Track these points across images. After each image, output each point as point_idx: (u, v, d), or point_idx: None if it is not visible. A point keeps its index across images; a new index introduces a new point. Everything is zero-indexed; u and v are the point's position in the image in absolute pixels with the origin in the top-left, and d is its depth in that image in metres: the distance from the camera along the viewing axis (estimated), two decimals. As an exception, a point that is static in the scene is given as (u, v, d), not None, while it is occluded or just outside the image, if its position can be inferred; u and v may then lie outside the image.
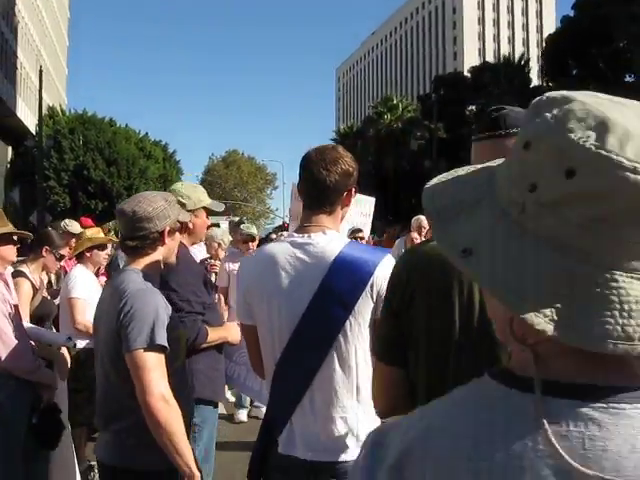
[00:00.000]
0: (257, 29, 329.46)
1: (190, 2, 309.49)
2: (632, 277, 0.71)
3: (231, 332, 3.50)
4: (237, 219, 14.61)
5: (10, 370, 3.32)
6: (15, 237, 3.71)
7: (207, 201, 3.64)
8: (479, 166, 0.87)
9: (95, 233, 5.63)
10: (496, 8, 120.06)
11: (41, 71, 31.04)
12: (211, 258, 7.33)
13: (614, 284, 0.71)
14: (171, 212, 2.64)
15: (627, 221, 0.70)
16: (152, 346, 2.36)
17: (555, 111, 0.73)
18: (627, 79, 38.09)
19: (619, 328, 0.70)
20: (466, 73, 48.79)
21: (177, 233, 2.75)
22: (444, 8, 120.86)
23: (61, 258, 5.18)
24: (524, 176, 0.74)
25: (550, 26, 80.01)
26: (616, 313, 0.70)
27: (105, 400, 2.58)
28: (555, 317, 0.71)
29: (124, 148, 44.21)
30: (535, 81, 46.55)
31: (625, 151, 0.69)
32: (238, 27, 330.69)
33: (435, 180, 0.88)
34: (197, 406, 3.03)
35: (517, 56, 77.13)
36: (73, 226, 6.61)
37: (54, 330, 4.96)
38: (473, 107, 45.95)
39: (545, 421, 0.72)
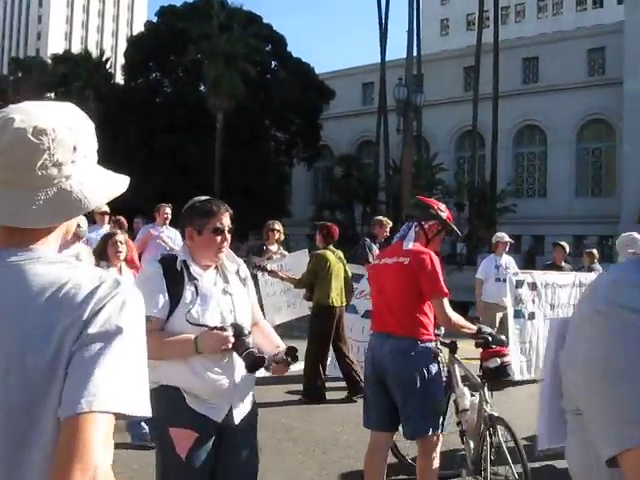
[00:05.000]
0: None
1: None
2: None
3: None
4: None
5: None
6: None
7: None
8: None
9: None
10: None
11: None
12: None
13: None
14: None
15: None
16: None
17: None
18: (201, 88, 41.12)
19: None
20: (48, 60, 47.31)
21: None
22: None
23: None
24: None
25: (141, 21, 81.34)
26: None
27: None
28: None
29: None
30: (119, 77, 47.46)
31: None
32: None
33: None
34: None
35: (106, 46, 76.72)
36: None
37: None
38: (52, 94, 45.00)
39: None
